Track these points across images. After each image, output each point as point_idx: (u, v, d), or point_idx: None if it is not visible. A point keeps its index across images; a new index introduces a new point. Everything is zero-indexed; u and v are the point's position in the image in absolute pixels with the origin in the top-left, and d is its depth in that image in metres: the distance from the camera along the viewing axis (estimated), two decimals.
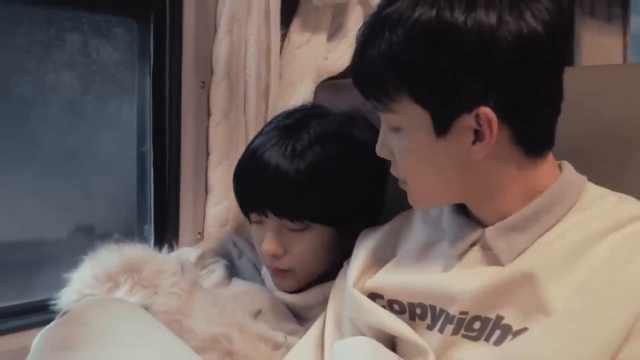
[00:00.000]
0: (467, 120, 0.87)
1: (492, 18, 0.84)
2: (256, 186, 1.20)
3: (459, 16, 0.84)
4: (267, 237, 1.20)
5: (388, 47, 0.88)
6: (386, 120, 0.96)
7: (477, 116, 0.86)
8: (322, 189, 1.17)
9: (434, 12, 0.85)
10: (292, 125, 1.22)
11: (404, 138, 0.93)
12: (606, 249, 0.87)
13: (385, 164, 1.01)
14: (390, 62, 0.89)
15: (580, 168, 0.97)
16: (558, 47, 0.90)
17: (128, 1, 1.52)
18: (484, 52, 0.84)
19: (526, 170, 0.92)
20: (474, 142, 0.88)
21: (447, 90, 0.87)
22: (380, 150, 0.99)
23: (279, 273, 1.23)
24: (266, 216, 1.19)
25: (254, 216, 1.23)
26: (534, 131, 0.91)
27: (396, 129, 0.94)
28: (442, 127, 0.89)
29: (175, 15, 1.50)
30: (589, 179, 0.96)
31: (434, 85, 0.88)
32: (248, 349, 1.07)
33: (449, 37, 0.85)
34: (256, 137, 1.25)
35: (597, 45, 3.19)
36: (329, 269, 1.20)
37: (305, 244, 1.20)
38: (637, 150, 1.08)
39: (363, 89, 0.96)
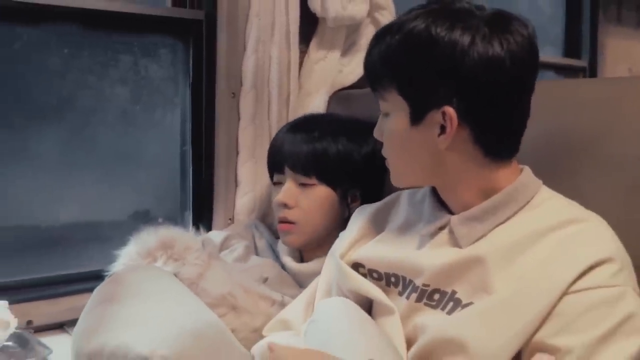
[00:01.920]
0: (436, 116, 1.01)
1: (466, 39, 0.97)
2: (279, 150, 1.48)
3: (441, 32, 0.98)
4: (282, 190, 1.45)
5: (386, 49, 1.03)
6: (381, 107, 1.09)
7: (443, 113, 1.00)
8: (327, 156, 1.44)
9: (423, 26, 0.99)
10: (310, 118, 1.54)
11: (390, 122, 1.07)
12: (547, 246, 0.97)
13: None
14: (386, 61, 1.04)
15: (541, 174, 1.07)
16: (521, 74, 1.01)
17: (172, 27, 1.69)
18: (454, 64, 0.98)
19: (488, 170, 1.03)
20: (439, 135, 1.01)
21: (422, 89, 1.01)
22: (376, 132, 1.13)
23: (285, 226, 1.46)
24: (283, 173, 1.46)
25: (276, 177, 1.50)
26: (490, 135, 1.02)
27: (386, 114, 1.08)
28: (416, 117, 1.02)
29: (211, 37, 1.67)
30: (551, 185, 1.07)
31: (414, 83, 1.02)
32: (249, 305, 1.25)
33: (430, 48, 0.99)
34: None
35: (623, 53, 3.08)
36: (329, 242, 1.32)
37: (312, 200, 1.44)
38: (587, 158, 1.19)
39: (368, 79, 1.10)
